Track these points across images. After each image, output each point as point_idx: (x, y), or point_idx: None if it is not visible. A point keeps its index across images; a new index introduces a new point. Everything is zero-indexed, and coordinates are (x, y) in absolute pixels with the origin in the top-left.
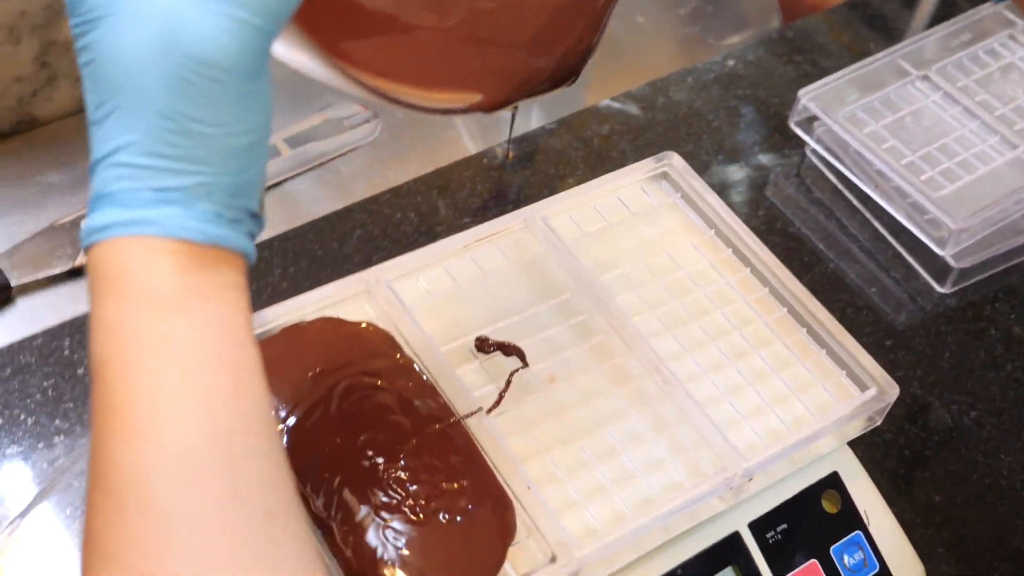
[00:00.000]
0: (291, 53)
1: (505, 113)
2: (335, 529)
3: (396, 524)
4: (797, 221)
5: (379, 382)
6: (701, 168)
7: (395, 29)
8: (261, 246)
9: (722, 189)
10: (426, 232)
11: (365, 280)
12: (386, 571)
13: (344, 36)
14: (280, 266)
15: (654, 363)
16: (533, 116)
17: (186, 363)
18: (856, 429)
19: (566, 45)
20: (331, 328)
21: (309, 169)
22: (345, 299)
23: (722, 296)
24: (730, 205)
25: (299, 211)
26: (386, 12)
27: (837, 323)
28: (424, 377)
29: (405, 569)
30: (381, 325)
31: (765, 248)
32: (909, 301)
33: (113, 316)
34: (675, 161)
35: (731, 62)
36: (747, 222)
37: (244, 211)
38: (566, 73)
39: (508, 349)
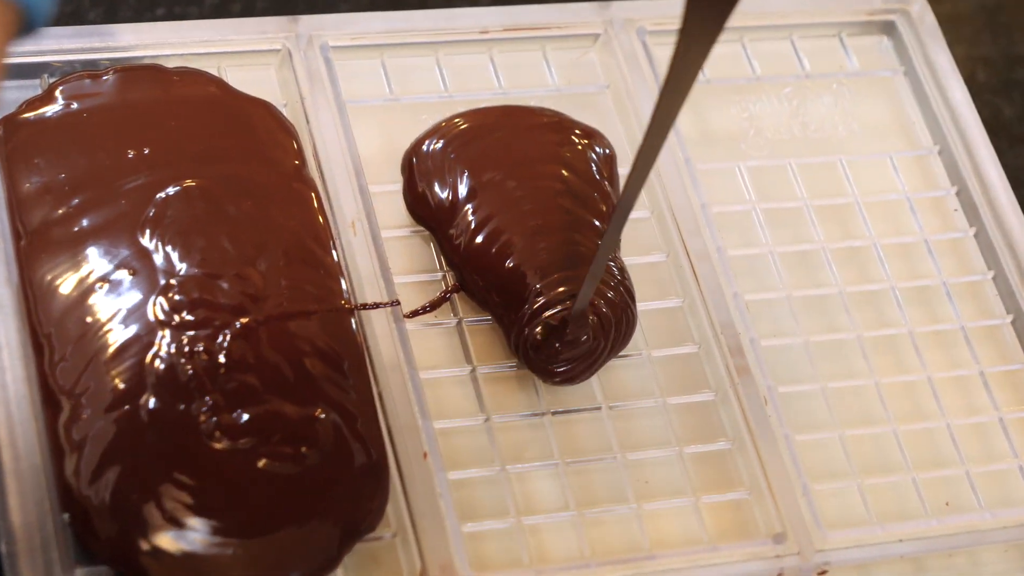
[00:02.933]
0: None
1: None
2: (63, 411)
3: (167, 442)
4: None
5: (244, 203)
6: (1019, 97)
7: None
8: None
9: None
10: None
11: (289, 33)
12: (105, 518)
13: None
14: None
15: (732, 333)
16: None
17: None
18: None
19: None
20: (202, 90)
21: None
22: (247, 53)
23: (909, 260)
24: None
25: None
26: None
27: None
28: (324, 222)
29: (144, 525)
30: (287, 113)
31: (1018, 209)
32: None
33: None
34: (915, 9)
35: None
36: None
37: None
38: None
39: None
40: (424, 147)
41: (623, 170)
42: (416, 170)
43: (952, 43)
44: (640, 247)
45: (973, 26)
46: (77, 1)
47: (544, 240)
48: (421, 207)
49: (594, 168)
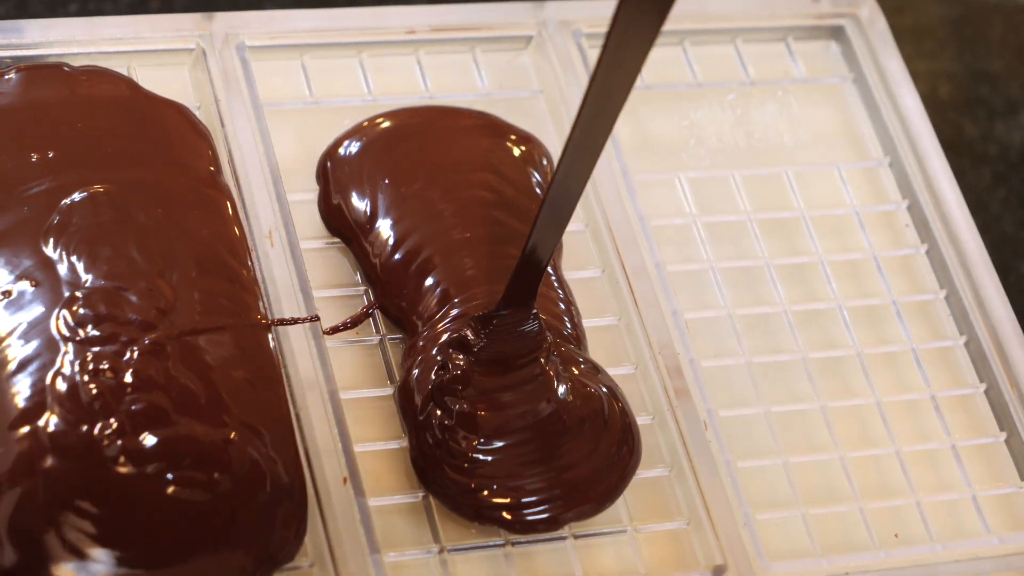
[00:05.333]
0: None
1: None
2: None
3: (69, 467)
4: None
5: (154, 210)
6: (983, 116)
7: None
8: None
9: (982, 141)
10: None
11: (203, 31)
12: (1, 548)
13: None
14: None
15: (670, 353)
16: None
17: None
18: None
19: None
20: (110, 91)
21: None
22: (159, 52)
23: (857, 278)
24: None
25: None
26: None
27: None
28: (239, 232)
29: (43, 556)
30: (201, 116)
31: (972, 224)
32: None
33: None
34: (865, 13)
35: None
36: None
37: None
38: None
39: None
40: (341, 151)
41: None
42: (331, 177)
43: (913, 57)
44: (575, 262)
45: (936, 40)
46: None
47: (470, 256)
48: (336, 219)
49: (530, 177)
